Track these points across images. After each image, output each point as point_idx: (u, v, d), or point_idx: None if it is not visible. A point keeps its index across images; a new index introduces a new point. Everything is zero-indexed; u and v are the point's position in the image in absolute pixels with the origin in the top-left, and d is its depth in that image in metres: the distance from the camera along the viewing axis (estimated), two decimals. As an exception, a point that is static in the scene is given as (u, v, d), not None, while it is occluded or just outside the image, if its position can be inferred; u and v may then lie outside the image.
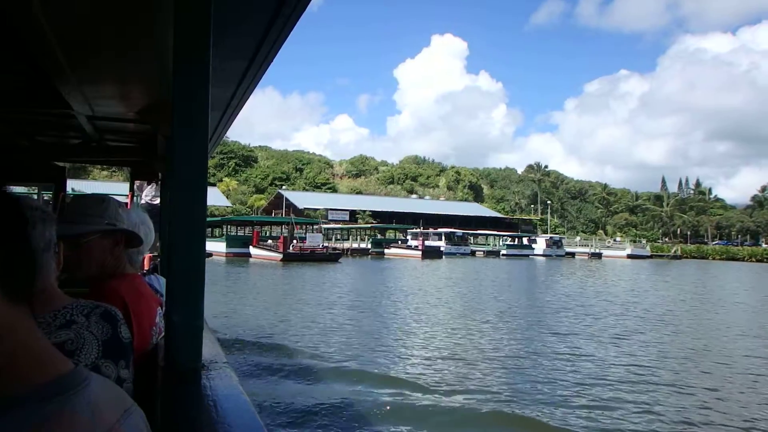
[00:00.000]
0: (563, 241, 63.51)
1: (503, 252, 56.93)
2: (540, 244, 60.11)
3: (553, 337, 10.39)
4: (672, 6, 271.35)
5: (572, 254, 61.30)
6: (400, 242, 52.24)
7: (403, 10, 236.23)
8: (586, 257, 59.83)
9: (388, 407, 5.75)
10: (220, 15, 1.61)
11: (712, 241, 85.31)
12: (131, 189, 5.64)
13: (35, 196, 5.83)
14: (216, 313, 11.65)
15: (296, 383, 6.53)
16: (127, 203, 5.46)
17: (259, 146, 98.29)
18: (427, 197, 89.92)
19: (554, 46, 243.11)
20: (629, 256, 60.83)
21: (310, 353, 8.16)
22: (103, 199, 1.52)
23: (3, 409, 0.43)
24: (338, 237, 51.54)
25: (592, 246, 64.72)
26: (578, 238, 73.60)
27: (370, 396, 6.10)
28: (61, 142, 4.86)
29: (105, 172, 49.70)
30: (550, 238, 62.65)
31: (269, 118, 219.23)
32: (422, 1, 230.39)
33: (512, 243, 60.41)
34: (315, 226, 45.75)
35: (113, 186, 43.55)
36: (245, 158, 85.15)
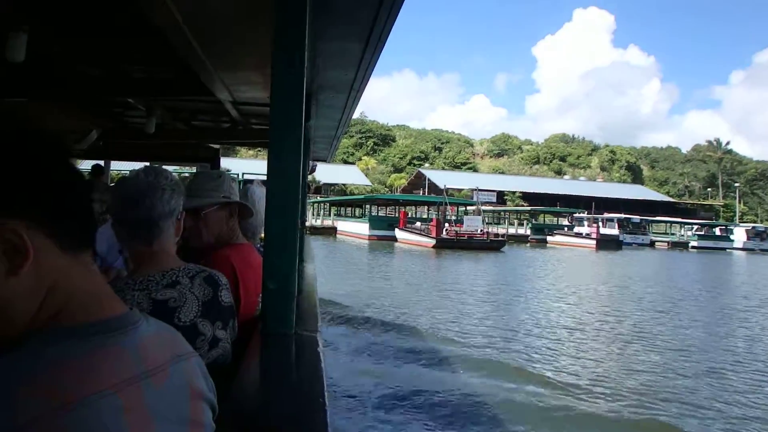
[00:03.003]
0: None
1: (693, 243, 49.91)
2: (739, 235, 51.47)
3: None
4: None
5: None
6: (566, 228, 48.39)
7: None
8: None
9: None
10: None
11: None
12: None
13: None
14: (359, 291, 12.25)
15: (426, 369, 6.69)
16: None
17: (397, 125, 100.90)
18: (582, 178, 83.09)
19: (716, 12, 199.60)
20: None
21: (447, 340, 8.15)
22: (219, 175, 1.81)
23: (62, 337, 0.54)
24: (487, 221, 49.47)
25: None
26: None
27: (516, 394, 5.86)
28: (214, 126, 5.77)
29: (251, 152, 56.45)
30: (752, 227, 53.38)
31: (405, 99, 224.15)
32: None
33: (701, 233, 52.67)
34: (471, 207, 41.44)
35: (257, 164, 48.76)
36: (383, 137, 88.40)
